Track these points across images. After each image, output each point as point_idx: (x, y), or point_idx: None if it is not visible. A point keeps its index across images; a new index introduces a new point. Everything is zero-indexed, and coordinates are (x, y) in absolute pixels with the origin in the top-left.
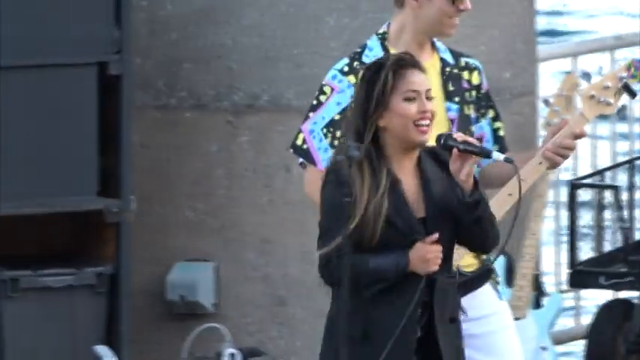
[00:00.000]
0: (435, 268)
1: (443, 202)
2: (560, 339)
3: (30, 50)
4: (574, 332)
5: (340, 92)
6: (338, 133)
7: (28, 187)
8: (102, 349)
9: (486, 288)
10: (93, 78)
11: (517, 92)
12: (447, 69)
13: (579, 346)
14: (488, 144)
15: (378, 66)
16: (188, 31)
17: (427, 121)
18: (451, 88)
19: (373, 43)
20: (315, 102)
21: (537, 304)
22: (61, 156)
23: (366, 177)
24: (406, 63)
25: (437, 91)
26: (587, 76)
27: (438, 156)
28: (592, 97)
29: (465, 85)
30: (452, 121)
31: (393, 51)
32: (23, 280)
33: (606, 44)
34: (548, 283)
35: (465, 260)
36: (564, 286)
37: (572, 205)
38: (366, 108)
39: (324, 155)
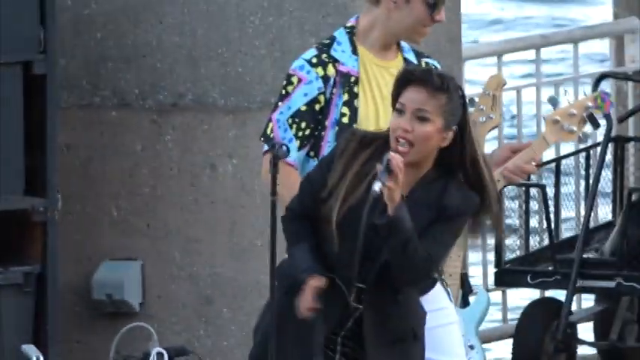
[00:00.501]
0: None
1: (400, 222)
2: (488, 337)
3: None
4: (502, 331)
5: (308, 83)
6: (303, 124)
7: None
8: (29, 349)
9: (437, 286)
10: (18, 77)
11: None
12: None
13: (507, 345)
14: None
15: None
16: (112, 30)
17: (397, 142)
18: None
19: (341, 37)
20: (283, 92)
21: (465, 303)
22: None
23: (356, 164)
24: (413, 77)
25: None
26: (553, 100)
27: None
28: (556, 122)
29: None
30: None
31: (360, 47)
32: None
33: (532, 43)
34: (475, 283)
35: None
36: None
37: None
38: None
39: (289, 145)
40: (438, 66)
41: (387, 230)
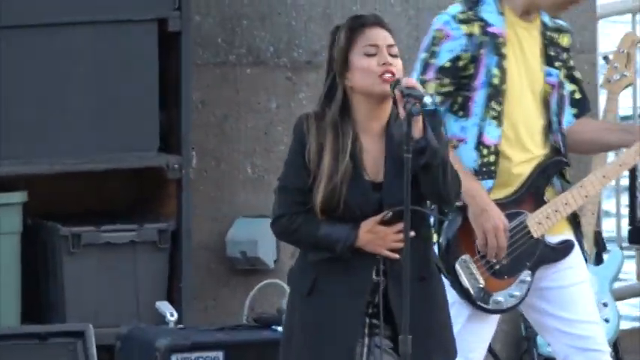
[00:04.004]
0: (385, 252)
1: (402, 164)
2: (621, 295)
3: (90, 7)
4: (636, 288)
5: (452, 40)
6: (446, 81)
7: (90, 143)
8: (164, 305)
9: (575, 249)
10: (153, 34)
11: (577, 49)
12: (547, 33)
13: None
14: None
15: (337, 28)
16: None
17: (389, 75)
18: (552, 53)
19: None
20: (429, 49)
21: (598, 261)
22: (122, 113)
23: (330, 142)
24: (365, 20)
25: (538, 55)
26: None
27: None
28: None
29: (559, 48)
30: (552, 86)
31: (507, 8)
32: (85, 236)
33: None
34: (609, 240)
35: (557, 228)
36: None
37: None
38: (329, 70)
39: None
40: (570, 30)
41: (422, 152)
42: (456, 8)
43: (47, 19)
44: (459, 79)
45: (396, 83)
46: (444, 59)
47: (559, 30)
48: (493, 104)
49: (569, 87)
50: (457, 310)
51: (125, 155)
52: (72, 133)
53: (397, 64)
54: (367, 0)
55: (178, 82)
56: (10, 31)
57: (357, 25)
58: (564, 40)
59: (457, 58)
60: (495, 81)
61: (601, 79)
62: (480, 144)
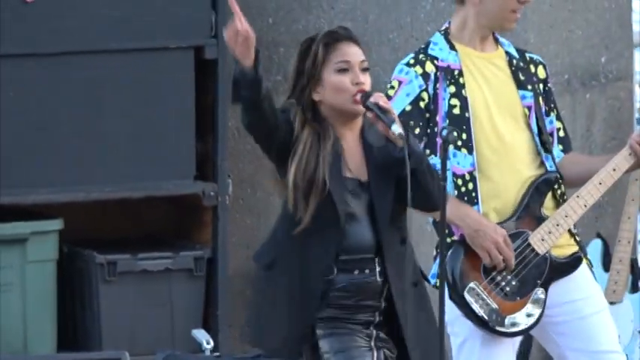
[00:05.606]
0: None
1: (384, 162)
2: None
3: (127, 34)
4: None
5: (408, 83)
6: (411, 124)
7: (126, 170)
8: (200, 333)
9: (583, 269)
10: (189, 62)
11: (613, 77)
12: (514, 61)
13: None
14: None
15: (309, 41)
16: (284, 16)
17: (361, 94)
18: (522, 77)
19: (437, 38)
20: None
21: (634, 288)
22: (159, 140)
23: (308, 144)
24: (338, 36)
25: (508, 81)
26: None
27: None
28: None
29: (534, 77)
30: (528, 108)
31: (457, 45)
32: (121, 263)
33: None
34: None
35: (562, 243)
36: None
37: None
38: (296, 84)
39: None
40: (543, 61)
41: (413, 156)
42: (406, 57)
43: (84, 47)
44: (425, 120)
45: (366, 97)
46: (403, 104)
47: (532, 61)
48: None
49: (555, 124)
50: (470, 344)
51: (161, 183)
52: (108, 161)
53: (367, 80)
54: (404, 27)
55: (215, 109)
56: (47, 58)
57: (331, 40)
58: (540, 72)
59: (418, 99)
60: (456, 111)
61: (637, 107)
62: (453, 176)
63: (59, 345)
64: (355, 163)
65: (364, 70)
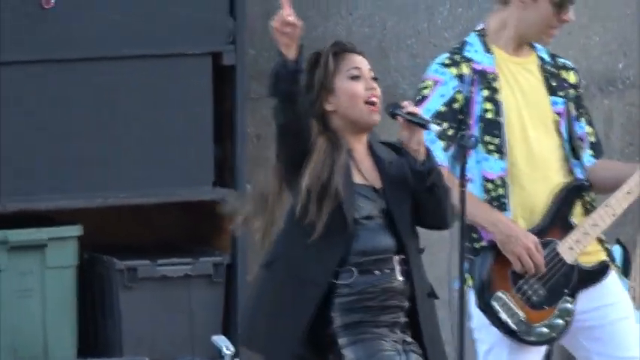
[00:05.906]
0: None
1: (399, 176)
2: None
3: (145, 40)
4: None
5: (443, 84)
6: (445, 125)
7: (144, 177)
8: (220, 339)
9: (613, 276)
10: (207, 68)
11: (630, 83)
12: (546, 66)
13: None
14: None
15: (316, 54)
16: (302, 22)
17: (376, 99)
18: (554, 83)
19: (472, 39)
20: (418, 97)
21: None
22: (177, 146)
23: (322, 152)
24: (345, 47)
25: (539, 87)
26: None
27: (390, 144)
28: None
29: (565, 83)
30: (559, 114)
31: (493, 46)
32: (141, 269)
33: None
34: None
35: (590, 251)
36: None
37: None
38: (309, 97)
39: (431, 147)
40: (574, 66)
41: (428, 173)
42: (441, 57)
43: (102, 53)
44: (457, 122)
45: (394, 107)
46: (437, 104)
47: (564, 67)
48: (488, 138)
49: (587, 129)
50: (497, 352)
51: (180, 189)
52: (126, 167)
53: (378, 88)
54: (422, 33)
55: (233, 115)
56: (64, 64)
57: (339, 50)
58: (571, 77)
59: (452, 101)
60: (489, 115)
61: None
62: (483, 180)
63: (79, 351)
64: (368, 171)
65: (373, 79)
